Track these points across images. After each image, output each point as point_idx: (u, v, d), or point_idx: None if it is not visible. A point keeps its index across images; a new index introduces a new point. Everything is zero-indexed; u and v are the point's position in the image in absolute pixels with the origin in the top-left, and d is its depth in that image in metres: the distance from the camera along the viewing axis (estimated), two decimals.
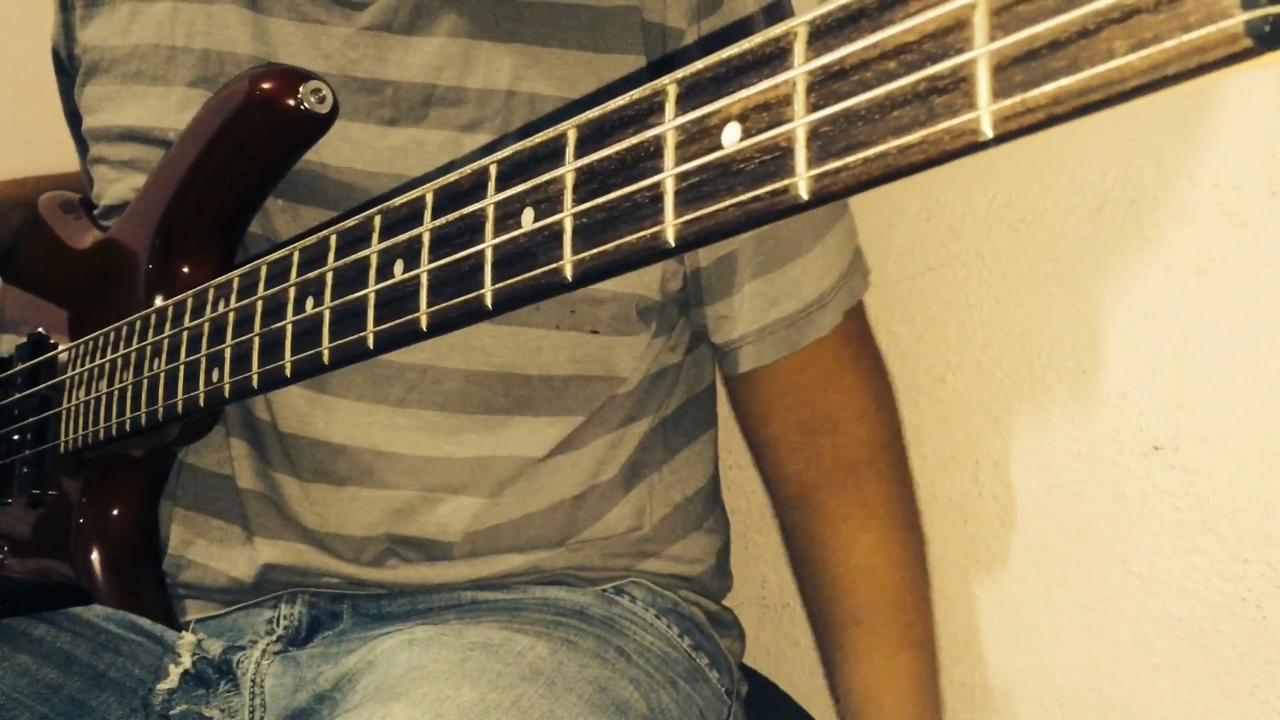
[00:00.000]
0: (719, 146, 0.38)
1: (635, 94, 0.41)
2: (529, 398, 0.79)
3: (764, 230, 0.80)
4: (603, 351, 0.79)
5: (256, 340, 0.62)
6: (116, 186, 0.83)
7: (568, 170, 0.43)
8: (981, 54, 0.31)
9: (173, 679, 0.80)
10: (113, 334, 0.77)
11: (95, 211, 0.88)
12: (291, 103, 0.70)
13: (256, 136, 0.73)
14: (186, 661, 0.81)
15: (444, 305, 0.49)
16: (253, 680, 0.79)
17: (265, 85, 0.70)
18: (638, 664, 0.78)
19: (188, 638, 0.82)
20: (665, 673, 0.80)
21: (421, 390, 0.77)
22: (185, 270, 0.77)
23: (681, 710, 0.78)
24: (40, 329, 0.89)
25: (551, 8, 0.76)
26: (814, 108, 0.35)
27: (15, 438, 0.88)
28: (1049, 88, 0.30)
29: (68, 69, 0.90)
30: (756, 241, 0.80)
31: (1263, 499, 0.77)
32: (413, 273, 0.51)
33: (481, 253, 0.47)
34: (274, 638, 0.81)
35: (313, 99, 0.70)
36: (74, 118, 0.91)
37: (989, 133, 0.31)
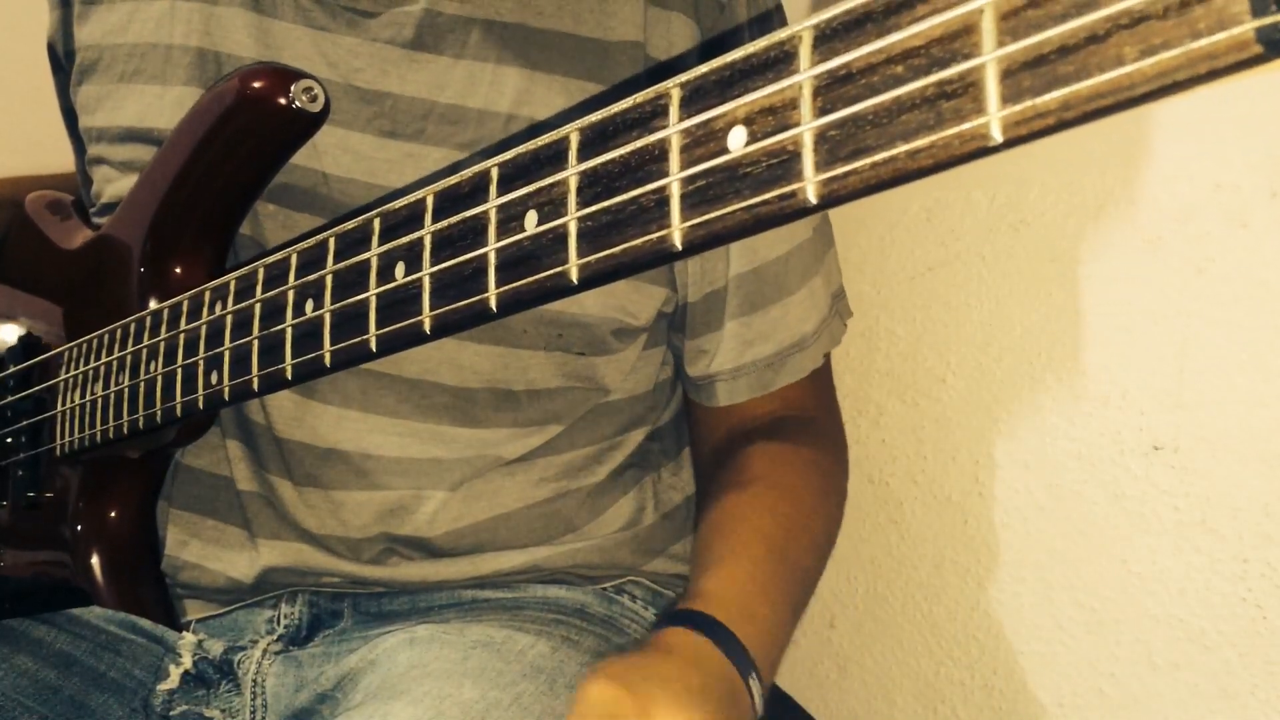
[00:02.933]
0: (725, 150, 0.37)
1: (638, 97, 0.40)
2: (515, 407, 0.79)
3: (750, 272, 0.81)
4: (588, 369, 0.80)
5: (256, 343, 0.62)
6: (116, 185, 0.83)
7: (571, 173, 0.43)
8: (990, 59, 0.31)
9: (173, 679, 0.80)
10: (107, 336, 0.76)
11: (93, 209, 0.87)
12: (283, 101, 0.69)
13: (247, 135, 0.72)
14: (187, 662, 0.81)
15: (448, 308, 0.49)
16: (254, 680, 0.79)
17: (256, 83, 0.69)
18: None
19: (188, 638, 0.82)
20: None
21: (413, 402, 0.78)
22: (178, 271, 0.76)
23: None
24: (30, 330, 0.88)
25: (558, 36, 0.76)
26: (821, 112, 0.35)
27: (9, 440, 0.87)
28: (1058, 93, 0.30)
29: (64, 65, 0.89)
30: (742, 283, 0.81)
31: (1263, 499, 0.77)
32: (414, 275, 0.50)
33: (485, 255, 0.47)
34: (275, 637, 0.81)
35: (304, 97, 0.69)
36: (70, 114, 0.91)
37: (999, 138, 0.31)
